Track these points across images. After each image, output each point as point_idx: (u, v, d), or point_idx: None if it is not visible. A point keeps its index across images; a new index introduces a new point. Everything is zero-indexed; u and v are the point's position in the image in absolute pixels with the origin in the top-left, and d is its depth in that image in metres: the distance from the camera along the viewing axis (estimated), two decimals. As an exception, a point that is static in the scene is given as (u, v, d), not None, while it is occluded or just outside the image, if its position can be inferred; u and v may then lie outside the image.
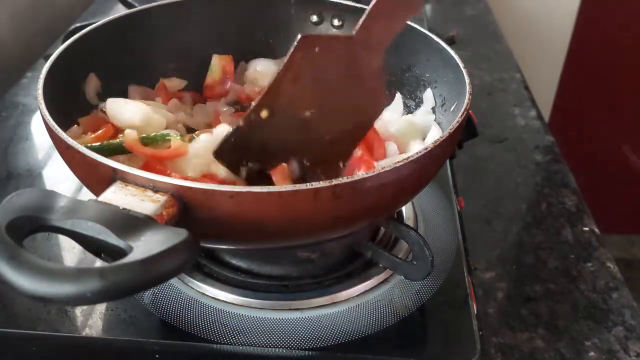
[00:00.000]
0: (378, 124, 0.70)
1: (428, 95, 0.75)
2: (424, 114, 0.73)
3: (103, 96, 0.71)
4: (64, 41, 0.67)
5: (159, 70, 0.78)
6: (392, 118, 0.75)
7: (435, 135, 0.70)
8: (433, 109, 0.74)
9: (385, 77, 0.62)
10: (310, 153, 0.58)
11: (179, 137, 0.61)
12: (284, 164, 0.57)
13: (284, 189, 0.46)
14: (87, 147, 0.50)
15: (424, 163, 0.53)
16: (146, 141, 0.61)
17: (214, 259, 0.67)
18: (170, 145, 0.61)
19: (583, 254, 0.77)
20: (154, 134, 0.62)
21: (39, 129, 0.96)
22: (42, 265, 0.37)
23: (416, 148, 0.69)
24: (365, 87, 0.60)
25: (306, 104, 0.58)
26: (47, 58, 0.63)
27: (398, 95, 0.78)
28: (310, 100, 0.58)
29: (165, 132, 0.63)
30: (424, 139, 0.71)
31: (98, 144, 0.61)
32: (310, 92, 0.58)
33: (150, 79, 0.77)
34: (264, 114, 0.56)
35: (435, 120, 0.72)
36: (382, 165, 0.64)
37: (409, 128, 0.71)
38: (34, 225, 0.43)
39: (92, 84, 0.70)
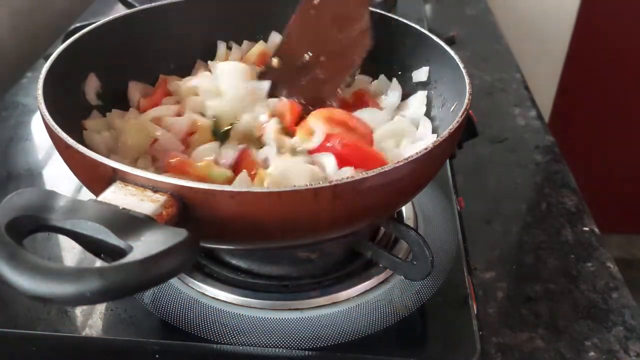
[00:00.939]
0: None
1: (418, 98, 0.75)
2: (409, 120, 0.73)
3: (103, 96, 0.71)
4: (64, 41, 0.67)
5: (159, 70, 0.78)
6: (389, 103, 0.75)
7: (425, 130, 0.70)
8: (428, 109, 0.74)
9: (370, 21, 0.71)
10: (307, 92, 0.71)
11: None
12: None
13: (283, 190, 0.46)
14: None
15: (424, 163, 0.53)
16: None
17: (214, 259, 0.67)
18: None
19: (583, 254, 0.77)
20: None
21: (39, 129, 0.96)
22: (41, 265, 0.37)
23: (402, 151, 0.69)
24: (352, 29, 0.71)
25: (306, 48, 0.72)
26: (47, 58, 0.63)
27: (395, 81, 0.78)
28: (309, 45, 0.72)
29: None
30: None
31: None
32: (310, 38, 0.72)
33: (151, 79, 0.77)
34: (275, 62, 0.73)
35: (430, 117, 0.73)
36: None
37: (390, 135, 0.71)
38: (33, 225, 0.43)
39: (92, 84, 0.70)
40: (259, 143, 0.67)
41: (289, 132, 0.68)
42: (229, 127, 0.67)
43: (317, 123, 0.67)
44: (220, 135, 0.66)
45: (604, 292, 0.71)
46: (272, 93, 0.72)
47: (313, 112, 0.69)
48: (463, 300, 0.65)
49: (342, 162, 0.62)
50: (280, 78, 0.72)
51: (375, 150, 0.65)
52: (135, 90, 0.75)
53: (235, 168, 0.63)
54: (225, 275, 0.65)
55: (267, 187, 0.47)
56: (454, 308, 0.64)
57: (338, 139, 0.64)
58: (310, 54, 0.71)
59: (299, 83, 0.71)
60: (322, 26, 0.71)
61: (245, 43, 0.83)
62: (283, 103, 0.70)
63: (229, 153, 0.63)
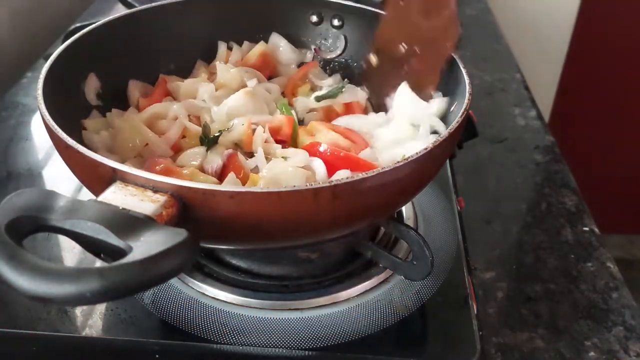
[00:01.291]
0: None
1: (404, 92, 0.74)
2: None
3: (103, 96, 0.71)
4: (64, 41, 0.67)
5: (159, 71, 0.78)
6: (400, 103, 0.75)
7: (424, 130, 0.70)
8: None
9: (456, 8, 0.73)
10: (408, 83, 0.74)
11: None
12: None
13: (283, 190, 0.46)
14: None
15: (424, 163, 0.53)
16: None
17: (214, 259, 0.67)
18: None
19: (583, 254, 0.77)
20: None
21: (39, 129, 0.96)
22: (41, 265, 0.37)
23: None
24: (440, 17, 0.73)
25: (400, 40, 0.74)
26: (47, 58, 0.63)
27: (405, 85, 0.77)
28: (402, 36, 0.74)
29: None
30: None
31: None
32: (401, 30, 0.74)
33: (151, 79, 0.77)
34: (373, 60, 0.77)
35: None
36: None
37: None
38: (33, 225, 0.43)
39: (92, 84, 0.70)
40: (248, 151, 0.67)
41: (283, 144, 0.68)
42: (218, 134, 0.67)
43: (320, 127, 0.69)
44: (209, 140, 0.66)
45: (604, 292, 0.71)
46: (375, 89, 0.77)
47: (314, 121, 0.72)
48: (463, 300, 0.65)
49: (331, 168, 0.62)
50: (380, 74, 0.76)
51: (363, 158, 0.65)
52: (135, 88, 0.75)
53: (222, 174, 0.63)
54: (225, 275, 0.65)
55: (266, 188, 0.47)
56: (454, 308, 0.64)
57: (327, 146, 0.65)
58: (405, 46, 0.74)
59: (399, 75, 0.74)
60: (412, 16, 0.74)
61: (246, 44, 0.83)
62: (280, 118, 0.70)
63: (215, 159, 0.63)
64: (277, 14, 0.83)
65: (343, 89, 0.77)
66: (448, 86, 0.70)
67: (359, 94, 0.78)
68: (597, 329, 0.67)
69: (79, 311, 0.63)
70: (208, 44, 0.82)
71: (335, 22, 0.83)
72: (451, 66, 0.68)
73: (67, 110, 0.65)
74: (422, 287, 0.65)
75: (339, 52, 0.83)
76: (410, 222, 0.73)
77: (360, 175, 0.48)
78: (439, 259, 0.67)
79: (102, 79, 0.71)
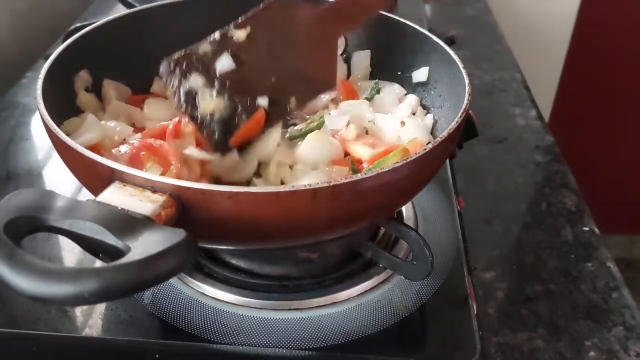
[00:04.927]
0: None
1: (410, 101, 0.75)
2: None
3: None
4: (63, 41, 0.67)
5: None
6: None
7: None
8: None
9: (336, 60, 0.66)
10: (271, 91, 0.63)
11: None
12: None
13: (282, 190, 0.46)
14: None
15: (424, 163, 0.53)
16: None
17: (214, 259, 0.67)
18: None
19: (583, 254, 0.77)
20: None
21: (39, 129, 0.96)
22: (39, 265, 0.37)
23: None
24: (318, 60, 0.64)
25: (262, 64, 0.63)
26: (47, 58, 0.63)
27: (413, 97, 0.76)
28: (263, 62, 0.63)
29: None
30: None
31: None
32: (265, 54, 0.63)
33: (151, 79, 0.77)
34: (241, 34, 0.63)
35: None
36: None
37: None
38: (32, 225, 0.43)
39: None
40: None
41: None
42: None
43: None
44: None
45: (604, 292, 0.71)
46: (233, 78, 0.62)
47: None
48: (463, 300, 0.64)
49: None
50: (246, 60, 0.63)
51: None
52: (110, 88, 0.73)
53: None
54: (225, 275, 0.65)
55: (265, 188, 0.47)
56: (454, 308, 0.64)
57: None
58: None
59: (267, 77, 0.62)
60: (286, 39, 0.64)
61: None
62: None
63: None
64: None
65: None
66: (448, 86, 0.70)
67: (396, 88, 0.77)
68: (597, 329, 0.67)
69: (79, 311, 0.63)
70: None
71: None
72: (451, 66, 0.68)
73: (67, 110, 0.65)
74: (422, 287, 0.65)
75: (340, 52, 0.83)
76: (410, 222, 0.73)
77: (359, 175, 0.48)
78: (439, 259, 0.67)
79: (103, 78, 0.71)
